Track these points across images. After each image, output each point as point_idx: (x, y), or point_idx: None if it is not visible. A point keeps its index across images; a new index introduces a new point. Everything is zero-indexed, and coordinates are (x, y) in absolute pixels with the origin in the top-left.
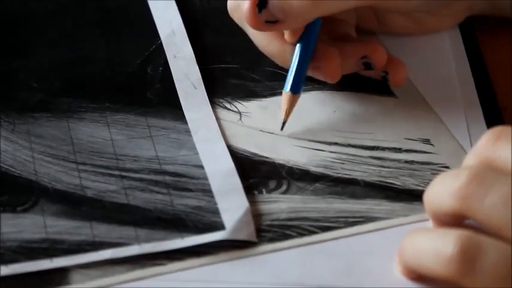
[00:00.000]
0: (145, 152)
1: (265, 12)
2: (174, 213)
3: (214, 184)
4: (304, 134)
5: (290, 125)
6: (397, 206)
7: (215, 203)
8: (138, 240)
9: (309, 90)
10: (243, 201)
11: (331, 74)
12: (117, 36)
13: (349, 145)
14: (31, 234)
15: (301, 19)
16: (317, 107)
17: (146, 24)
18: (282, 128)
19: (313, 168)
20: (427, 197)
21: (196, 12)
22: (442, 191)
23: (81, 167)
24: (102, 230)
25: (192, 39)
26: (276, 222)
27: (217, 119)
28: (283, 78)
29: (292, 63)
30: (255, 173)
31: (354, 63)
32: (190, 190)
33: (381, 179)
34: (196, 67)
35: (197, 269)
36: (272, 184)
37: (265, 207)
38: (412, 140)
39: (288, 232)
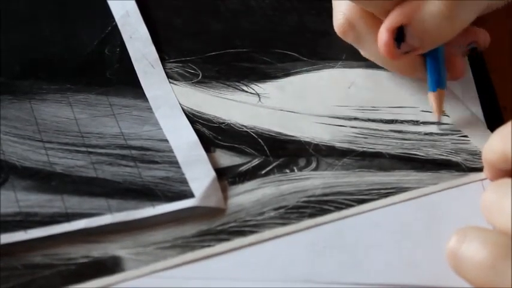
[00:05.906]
0: (109, 129)
1: (404, 45)
2: (143, 184)
3: (180, 156)
4: (324, 111)
5: (309, 103)
6: (424, 175)
7: (182, 174)
8: (110, 210)
9: (320, 69)
10: (210, 170)
11: (458, 76)
12: (71, 19)
13: (369, 119)
14: (4, 208)
15: (439, 42)
16: (331, 85)
17: (99, 5)
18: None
19: (338, 144)
20: (485, 150)
21: None
22: (498, 140)
23: (47, 145)
24: (73, 202)
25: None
26: (312, 198)
27: (237, 101)
28: (293, 59)
29: (428, 64)
30: (283, 152)
31: (461, 52)
32: (157, 162)
33: (405, 150)
34: (153, 47)
35: (199, 266)
36: (302, 162)
37: (299, 185)
38: (428, 112)
39: (325, 207)
